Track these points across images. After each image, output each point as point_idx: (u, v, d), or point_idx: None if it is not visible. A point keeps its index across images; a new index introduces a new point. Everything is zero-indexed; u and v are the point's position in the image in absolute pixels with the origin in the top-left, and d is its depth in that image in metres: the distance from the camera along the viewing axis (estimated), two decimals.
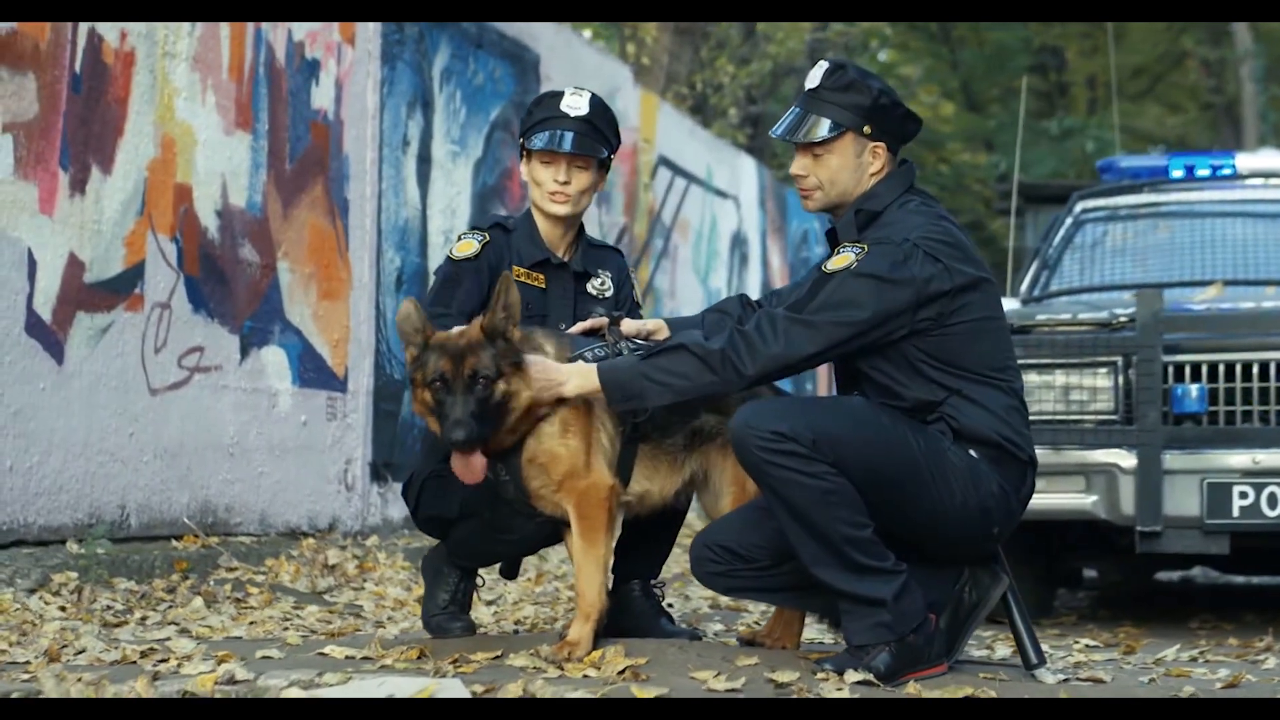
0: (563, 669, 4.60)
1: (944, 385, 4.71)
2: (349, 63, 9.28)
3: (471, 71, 10.69)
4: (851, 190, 4.88)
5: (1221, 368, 7.12)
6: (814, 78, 4.89)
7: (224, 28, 8.16)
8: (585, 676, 4.51)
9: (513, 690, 4.20)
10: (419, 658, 4.87)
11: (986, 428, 4.71)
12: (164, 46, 7.72)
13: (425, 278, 9.69)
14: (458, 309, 5.08)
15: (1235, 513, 6.91)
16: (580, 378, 4.72)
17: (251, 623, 6.22)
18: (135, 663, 4.94)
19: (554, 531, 5.04)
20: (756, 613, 7.10)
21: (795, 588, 4.81)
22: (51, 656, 5.02)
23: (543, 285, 5.33)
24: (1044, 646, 5.12)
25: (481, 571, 5.48)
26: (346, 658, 4.98)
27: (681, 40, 19.15)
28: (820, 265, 4.86)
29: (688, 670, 4.56)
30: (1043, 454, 6.81)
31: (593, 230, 11.92)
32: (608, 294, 5.42)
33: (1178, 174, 9.14)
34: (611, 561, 5.12)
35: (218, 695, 4.27)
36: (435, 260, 9.85)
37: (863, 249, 4.68)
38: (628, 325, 5.08)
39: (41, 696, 4.22)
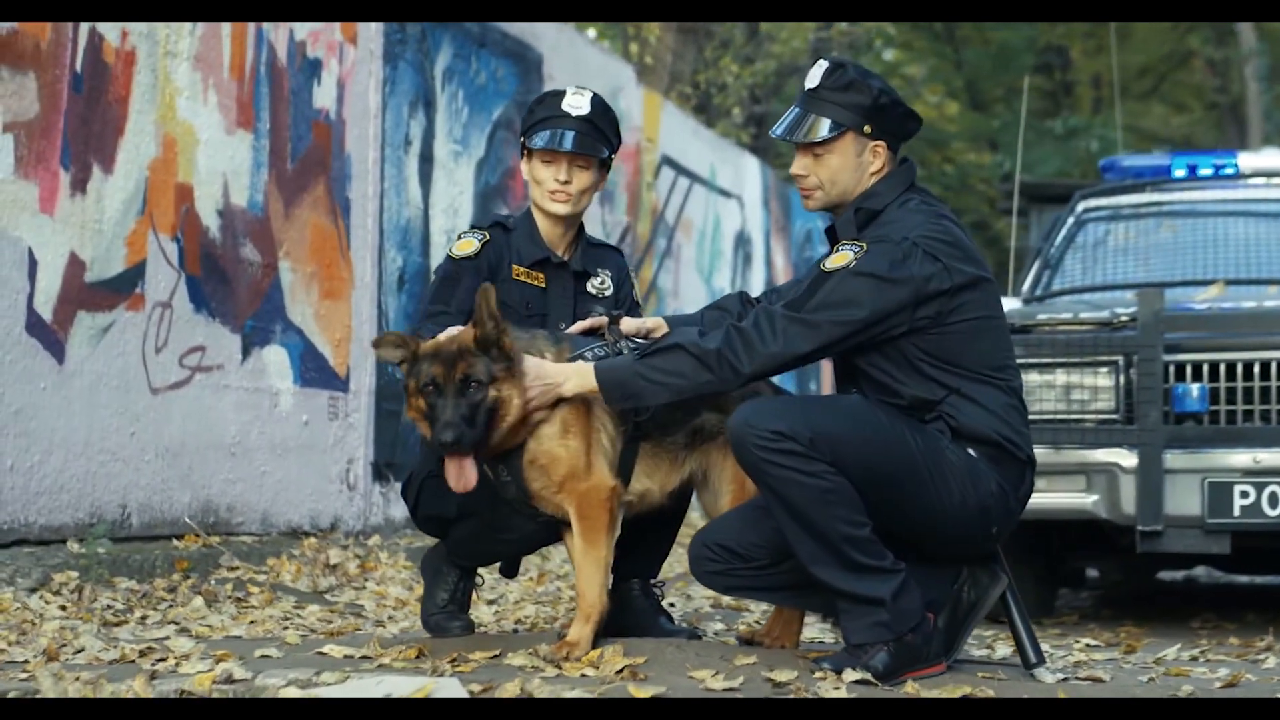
0: (561, 668, 4.60)
1: (943, 384, 4.70)
2: (351, 62, 9.28)
3: (474, 71, 10.69)
4: (852, 189, 4.87)
5: (1223, 367, 7.11)
6: (814, 77, 4.88)
7: (225, 27, 8.16)
8: (583, 676, 4.50)
9: (510, 689, 4.20)
10: (417, 657, 4.87)
11: (985, 427, 4.70)
12: (165, 46, 7.73)
13: (427, 277, 9.69)
14: (456, 307, 5.09)
15: (1236, 512, 6.90)
16: (578, 377, 4.72)
17: (251, 622, 6.22)
18: (134, 662, 4.94)
19: (553, 531, 5.04)
20: (757, 612, 7.09)
21: (794, 586, 4.81)
22: (50, 656, 5.03)
23: (542, 284, 5.33)
24: (1044, 646, 5.12)
25: (483, 570, 5.48)
26: (345, 657, 4.98)
27: (685, 40, 19.15)
28: (819, 263, 4.86)
29: (686, 669, 4.56)
30: (1044, 453, 6.85)
31: (596, 230, 11.97)
32: (607, 293, 5.42)
33: (1180, 173, 9.14)
34: (612, 562, 5.13)
35: (215, 694, 4.27)
36: (437, 260, 9.85)
37: (862, 247, 4.68)
38: (627, 324, 5.08)
39: (39, 696, 4.22)
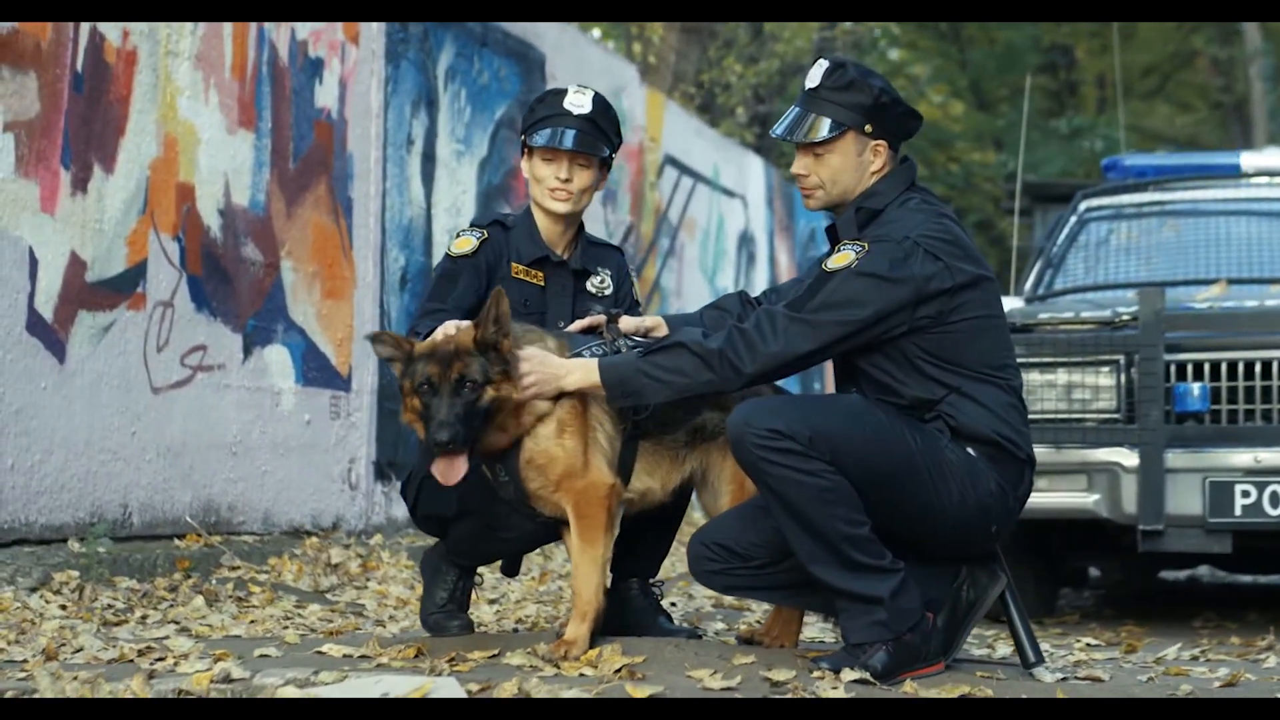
0: (559, 667, 4.60)
1: (943, 383, 4.70)
2: (353, 61, 9.28)
3: (476, 70, 10.69)
4: (853, 189, 4.87)
5: (1224, 366, 7.11)
6: (814, 77, 4.88)
7: (227, 27, 8.16)
8: (581, 675, 4.50)
9: (507, 689, 4.20)
10: (416, 656, 4.86)
11: (985, 426, 4.70)
12: (166, 45, 7.73)
13: (430, 277, 9.68)
14: (454, 305, 5.09)
15: (1237, 511, 6.90)
16: (582, 371, 4.72)
17: (252, 621, 6.22)
18: (132, 661, 4.94)
19: (552, 530, 5.04)
20: (759, 611, 7.09)
21: (793, 586, 4.80)
22: (49, 655, 5.03)
23: (541, 283, 5.33)
24: (1045, 645, 5.12)
25: (485, 570, 5.48)
26: (344, 656, 4.97)
27: (689, 39, 19.15)
28: (820, 263, 4.86)
29: (684, 669, 4.56)
30: (1045, 453, 6.86)
31: (599, 230, 11.98)
32: (607, 292, 5.42)
33: (1182, 173, 9.14)
34: (610, 560, 5.12)
35: (213, 694, 4.27)
36: (440, 259, 9.84)
37: (863, 247, 4.67)
38: (626, 323, 5.08)
39: (36, 695, 4.22)
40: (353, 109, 9.27)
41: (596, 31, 20.38)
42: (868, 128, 4.82)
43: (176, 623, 6.06)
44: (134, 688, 4.25)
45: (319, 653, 5.08)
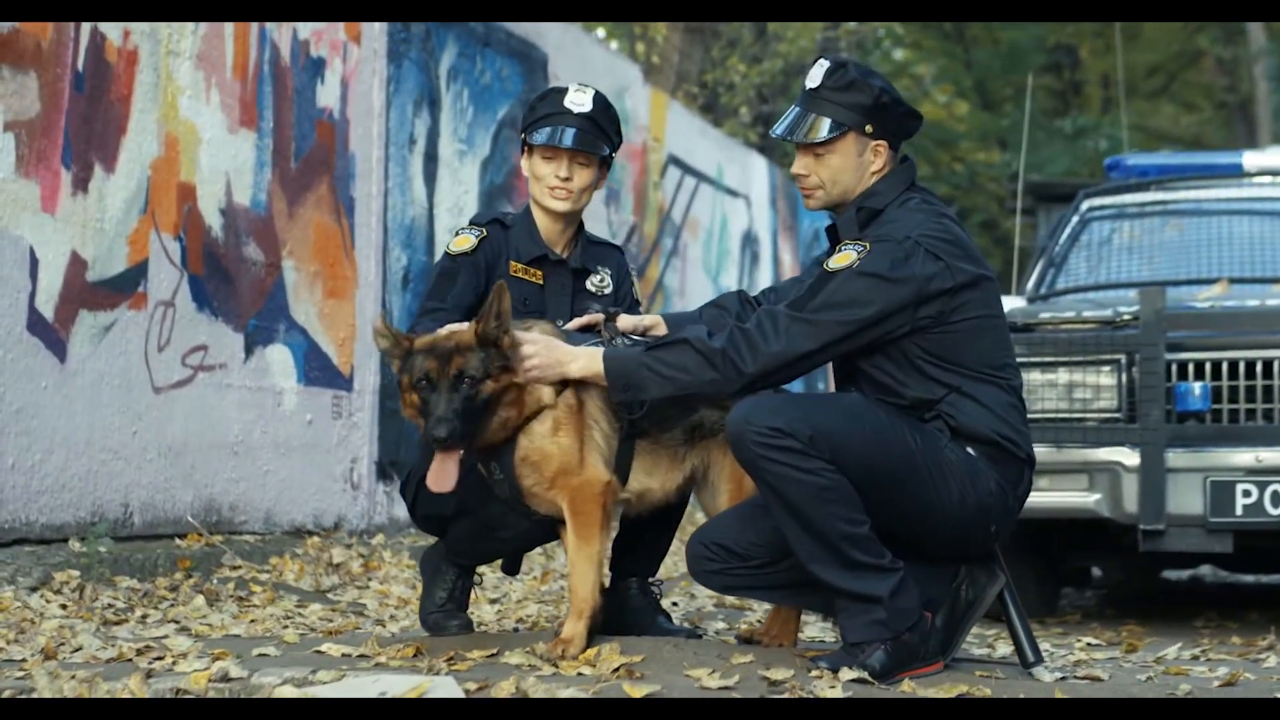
0: (557, 666, 4.60)
1: (943, 383, 4.70)
2: (355, 61, 9.28)
3: (479, 70, 10.69)
4: (853, 189, 4.86)
5: (1225, 365, 7.10)
6: (815, 77, 4.87)
7: (228, 26, 8.16)
8: (579, 674, 4.50)
9: (505, 688, 4.19)
10: (415, 655, 4.87)
11: (984, 426, 4.70)
12: (168, 45, 7.73)
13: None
14: (453, 303, 5.10)
15: (1238, 511, 6.90)
16: (587, 359, 4.72)
17: (252, 621, 6.22)
18: (131, 660, 4.94)
19: (550, 529, 5.03)
20: (760, 611, 7.08)
21: (792, 585, 4.80)
22: (48, 654, 5.03)
23: (540, 281, 5.33)
24: (1046, 645, 5.12)
25: (487, 569, 5.48)
26: (343, 655, 4.98)
27: (692, 39, 19.15)
28: (821, 263, 4.85)
29: (682, 668, 4.55)
30: (1046, 452, 6.86)
31: (602, 229, 11.98)
32: (607, 291, 5.41)
33: (1184, 172, 9.13)
34: (607, 559, 5.13)
35: (211, 693, 4.27)
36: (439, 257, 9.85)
37: (865, 247, 4.67)
38: (624, 321, 5.08)
39: (34, 694, 4.22)
40: (355, 109, 9.27)
41: (601, 31, 20.37)
42: (868, 128, 4.82)
43: (176, 622, 6.06)
44: (131, 687, 4.25)
45: (318, 652, 5.08)
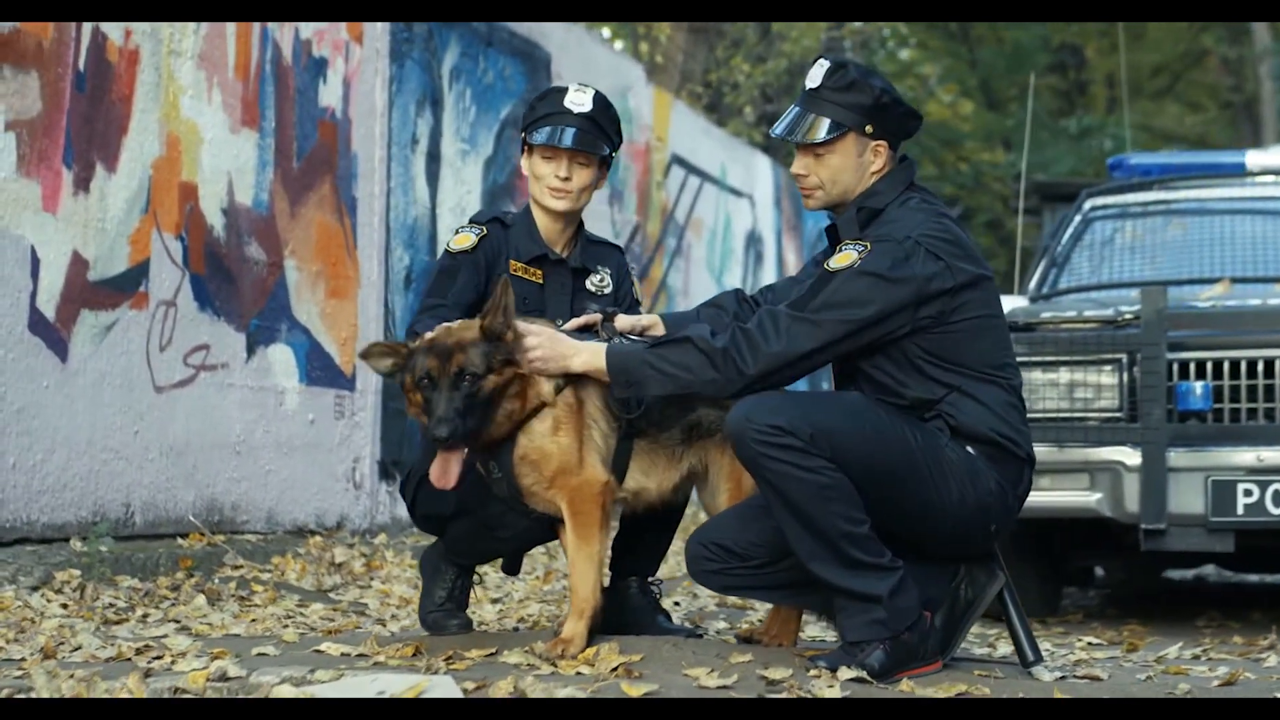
0: (556, 666, 4.60)
1: (943, 383, 4.70)
2: (357, 61, 9.28)
3: (481, 70, 10.69)
4: (853, 189, 4.86)
5: (1226, 365, 7.10)
6: (815, 77, 4.87)
7: (230, 26, 8.16)
8: (578, 673, 4.50)
9: (503, 687, 4.19)
10: (413, 655, 4.86)
11: (984, 425, 4.70)
12: (169, 45, 7.73)
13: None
14: (453, 301, 5.11)
15: (1240, 510, 6.89)
16: (590, 354, 4.72)
17: (253, 620, 6.22)
18: (130, 659, 4.95)
19: (549, 528, 5.04)
20: (761, 611, 7.07)
21: (792, 585, 4.80)
22: (47, 654, 5.03)
23: (540, 281, 5.33)
24: (1047, 645, 5.12)
25: (488, 568, 5.48)
26: (342, 655, 4.98)
27: (696, 39, 19.16)
28: (822, 262, 4.85)
29: (681, 667, 4.55)
30: (1047, 451, 6.86)
31: (605, 229, 11.97)
32: (606, 290, 5.42)
33: (1187, 172, 9.12)
34: (607, 558, 5.12)
35: (209, 692, 4.27)
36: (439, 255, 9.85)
37: (865, 247, 4.67)
38: (622, 321, 5.07)
39: (32, 694, 4.22)
40: (357, 108, 9.27)
41: (605, 31, 20.37)
42: (868, 128, 4.82)
43: (177, 621, 6.06)
44: (130, 686, 4.25)
45: (317, 651, 5.08)
